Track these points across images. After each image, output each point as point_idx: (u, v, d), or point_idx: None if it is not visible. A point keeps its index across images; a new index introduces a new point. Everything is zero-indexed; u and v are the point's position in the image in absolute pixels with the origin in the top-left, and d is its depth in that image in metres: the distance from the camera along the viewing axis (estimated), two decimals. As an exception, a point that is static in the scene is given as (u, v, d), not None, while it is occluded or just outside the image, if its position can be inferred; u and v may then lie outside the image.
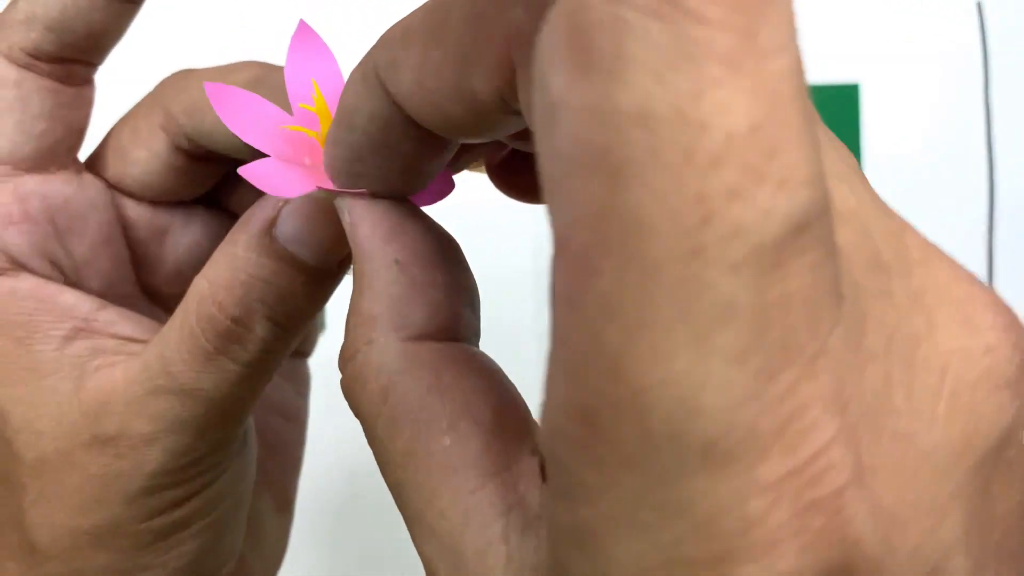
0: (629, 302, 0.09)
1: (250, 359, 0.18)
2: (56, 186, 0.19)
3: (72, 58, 0.19)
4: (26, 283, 0.19)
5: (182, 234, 0.21)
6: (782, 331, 0.09)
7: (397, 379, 0.13)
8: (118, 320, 0.19)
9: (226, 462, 0.19)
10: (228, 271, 0.17)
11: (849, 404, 0.09)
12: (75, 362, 0.18)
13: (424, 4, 0.12)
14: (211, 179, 0.21)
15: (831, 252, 0.09)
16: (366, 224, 0.14)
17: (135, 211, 0.21)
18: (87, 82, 0.20)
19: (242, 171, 0.16)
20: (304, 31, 0.17)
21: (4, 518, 0.19)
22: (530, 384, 0.37)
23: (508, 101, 0.12)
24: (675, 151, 0.08)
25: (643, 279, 0.09)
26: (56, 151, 0.19)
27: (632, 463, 0.09)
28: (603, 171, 0.09)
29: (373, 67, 0.13)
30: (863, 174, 0.11)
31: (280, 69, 0.19)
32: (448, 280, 0.14)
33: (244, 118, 0.17)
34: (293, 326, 0.18)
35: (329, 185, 0.15)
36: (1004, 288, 0.38)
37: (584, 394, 0.09)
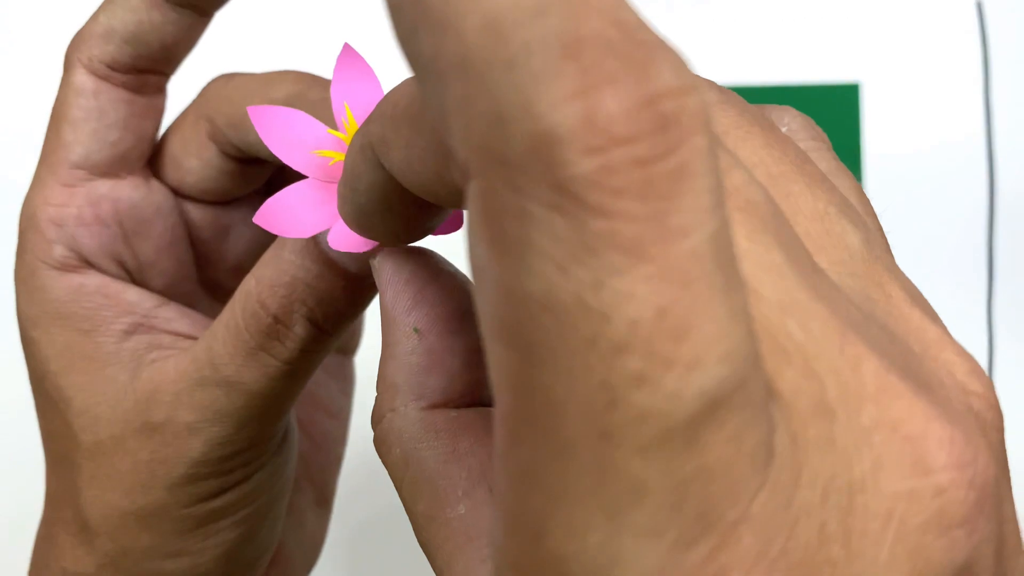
0: (547, 474, 0.09)
1: (289, 356, 0.18)
2: (126, 191, 0.20)
3: (146, 69, 0.20)
4: (94, 280, 0.20)
5: (242, 231, 0.23)
6: (698, 503, 0.09)
7: (417, 447, 0.14)
8: (176, 317, 0.21)
9: (265, 457, 0.20)
10: (274, 272, 0.18)
11: (776, 563, 0.09)
12: (133, 354, 0.20)
13: (410, 83, 0.12)
14: (264, 175, 0.22)
15: (757, 415, 0.09)
16: (390, 291, 0.15)
17: (197, 213, 0.22)
18: (160, 91, 0.21)
19: (257, 220, 0.16)
20: (348, 54, 0.17)
21: (61, 494, 0.20)
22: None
23: None
24: (579, 339, 0.08)
25: (558, 455, 0.09)
26: (127, 158, 0.20)
27: None
28: (518, 347, 0.09)
29: (369, 140, 0.13)
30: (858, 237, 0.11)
31: (323, 81, 0.19)
32: (468, 344, 0.15)
33: (285, 139, 0.17)
34: (332, 328, 0.18)
35: None
36: (1004, 288, 0.38)
37: (515, 550, 0.10)
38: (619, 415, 0.08)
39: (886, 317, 0.11)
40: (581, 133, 0.08)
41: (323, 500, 0.25)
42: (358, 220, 0.15)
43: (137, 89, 0.20)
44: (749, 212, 0.10)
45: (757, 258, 0.10)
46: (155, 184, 0.21)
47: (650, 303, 0.08)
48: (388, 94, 0.13)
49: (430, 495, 0.14)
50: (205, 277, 0.23)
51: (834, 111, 0.39)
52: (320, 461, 0.25)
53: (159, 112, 0.21)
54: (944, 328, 0.12)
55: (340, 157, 0.17)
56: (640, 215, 0.08)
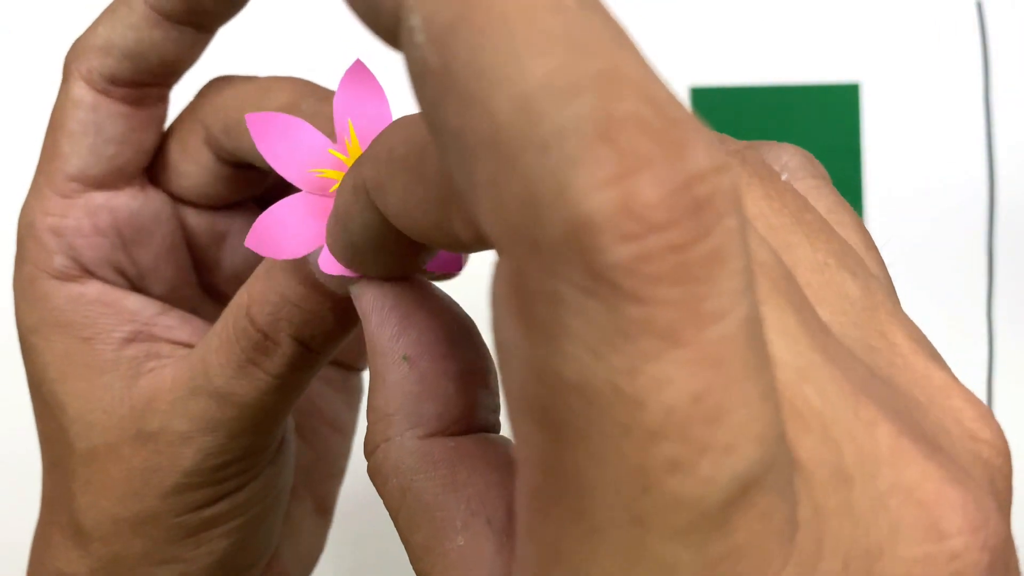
0: (576, 553, 0.09)
1: (278, 372, 0.18)
2: (123, 201, 0.20)
3: (147, 83, 0.20)
4: (93, 288, 0.20)
5: (241, 237, 0.22)
6: None
7: (414, 478, 0.14)
8: (177, 325, 0.20)
9: (259, 467, 0.20)
10: (263, 288, 0.18)
11: None
12: (132, 362, 0.20)
13: (406, 126, 0.12)
14: (263, 180, 0.22)
15: (784, 490, 0.09)
16: (375, 318, 0.15)
17: (196, 219, 0.22)
18: (161, 100, 0.21)
19: (248, 243, 0.16)
20: (358, 70, 0.16)
21: (57, 497, 0.20)
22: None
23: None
24: (613, 424, 0.08)
25: (588, 536, 0.09)
26: (125, 171, 0.20)
27: None
28: (548, 426, 0.09)
29: (362, 182, 0.13)
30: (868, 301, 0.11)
31: (321, 91, 0.19)
32: (460, 367, 0.14)
33: (281, 149, 0.16)
34: (320, 347, 0.18)
35: None
36: (1004, 288, 0.38)
37: None
38: (653, 500, 0.08)
39: (890, 367, 0.11)
40: (618, 220, 0.08)
41: (323, 510, 0.25)
42: (349, 258, 0.15)
43: (137, 102, 0.20)
44: (762, 274, 0.10)
45: (772, 322, 0.10)
46: (152, 192, 0.21)
47: (686, 389, 0.08)
48: (381, 135, 0.13)
49: (427, 526, 0.13)
50: (206, 281, 0.23)
51: (834, 111, 0.39)
52: (321, 473, 0.25)
53: (160, 122, 0.21)
54: (949, 372, 0.12)
55: (337, 176, 0.16)
56: (675, 300, 0.08)
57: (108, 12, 0.19)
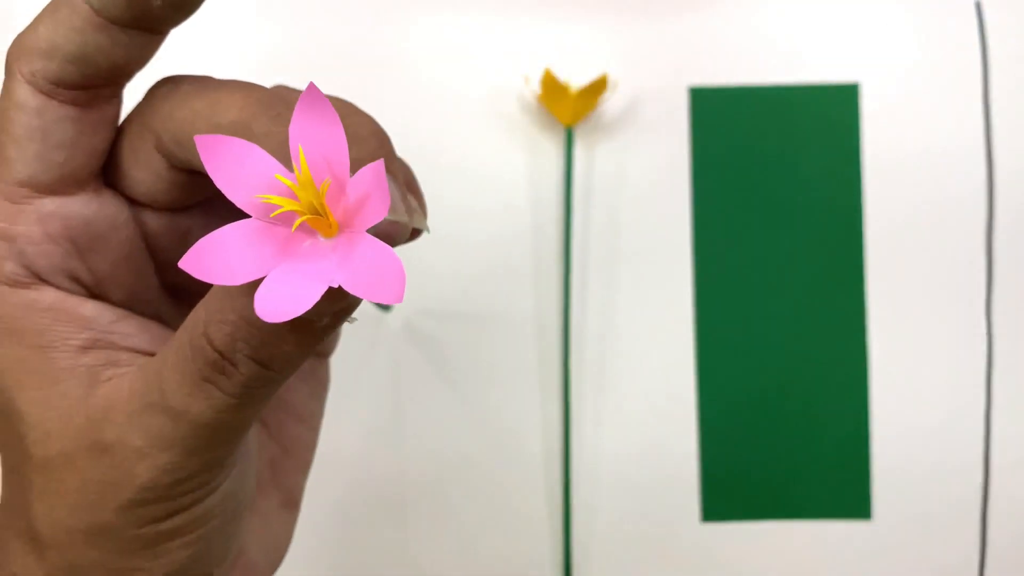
0: None
1: (236, 392, 0.18)
2: (76, 208, 0.20)
3: (96, 85, 0.19)
4: (47, 296, 0.19)
5: (203, 234, 0.22)
6: None
7: None
8: (135, 332, 0.20)
9: (217, 481, 0.20)
10: (220, 306, 0.17)
11: None
12: (89, 370, 0.19)
13: None
14: None
15: None
16: None
17: (155, 221, 0.21)
18: (113, 98, 0.20)
19: (184, 264, 0.16)
20: (311, 95, 0.16)
21: (15, 503, 0.20)
22: (529, 368, 0.36)
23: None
24: None
25: None
26: (77, 175, 0.19)
27: None
28: None
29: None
30: None
31: (277, 105, 0.18)
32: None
33: (231, 174, 0.16)
34: (279, 368, 0.18)
35: (297, 261, 0.16)
36: (1003, 288, 0.38)
37: None
38: None
39: None
40: None
41: (290, 503, 0.25)
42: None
43: (86, 104, 0.19)
44: None
45: None
46: (107, 195, 0.20)
47: None
48: None
49: None
50: (168, 281, 0.22)
51: (834, 111, 0.39)
52: (288, 467, 0.25)
53: (113, 122, 0.20)
54: None
55: (287, 206, 0.16)
56: None
57: (49, 11, 0.18)
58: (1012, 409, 0.38)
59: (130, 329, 0.20)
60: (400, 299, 0.15)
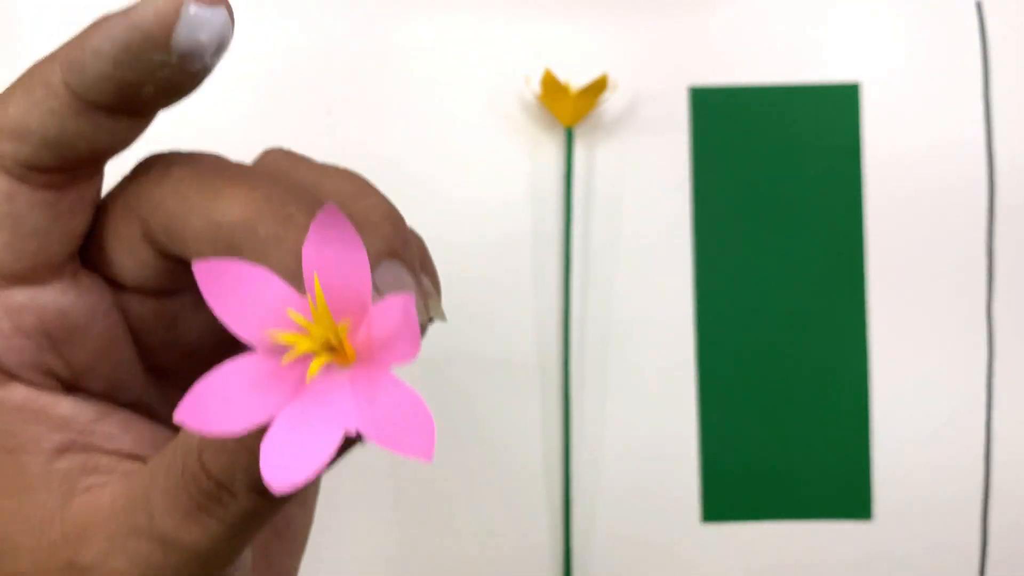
0: None
1: (233, 520, 0.16)
2: (51, 297, 0.17)
3: (74, 168, 0.17)
4: (17, 394, 0.17)
5: (193, 318, 0.19)
6: None
7: None
8: (117, 433, 0.18)
9: None
10: None
11: None
12: (65, 478, 0.17)
13: None
14: None
15: None
16: None
17: (139, 304, 0.19)
18: (94, 177, 0.18)
19: (179, 417, 0.14)
20: (329, 215, 0.14)
21: None
22: (529, 388, 0.36)
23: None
24: None
25: None
26: (51, 262, 0.17)
27: None
28: None
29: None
30: None
31: (285, 199, 0.16)
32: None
33: (234, 304, 0.14)
34: (282, 497, 0.16)
35: (308, 399, 0.14)
36: (1004, 288, 0.38)
37: None
38: None
39: None
40: None
41: None
42: None
43: (63, 186, 0.17)
44: None
45: None
46: (86, 281, 0.18)
47: None
48: None
49: None
50: (152, 363, 0.20)
51: (834, 111, 0.39)
52: (281, 550, 0.23)
53: (93, 201, 0.18)
54: None
55: (302, 347, 0.14)
56: None
57: (22, 88, 0.16)
58: (1013, 409, 0.38)
59: (112, 429, 0.18)
60: (430, 457, 0.13)
